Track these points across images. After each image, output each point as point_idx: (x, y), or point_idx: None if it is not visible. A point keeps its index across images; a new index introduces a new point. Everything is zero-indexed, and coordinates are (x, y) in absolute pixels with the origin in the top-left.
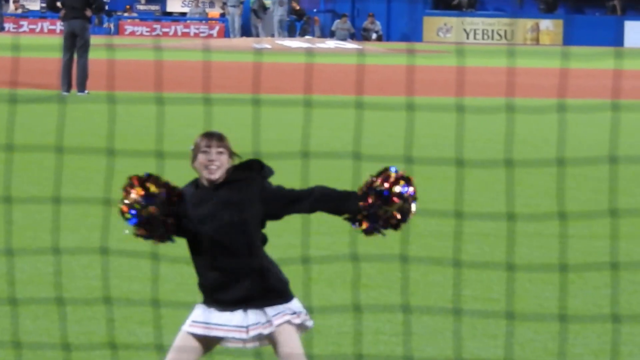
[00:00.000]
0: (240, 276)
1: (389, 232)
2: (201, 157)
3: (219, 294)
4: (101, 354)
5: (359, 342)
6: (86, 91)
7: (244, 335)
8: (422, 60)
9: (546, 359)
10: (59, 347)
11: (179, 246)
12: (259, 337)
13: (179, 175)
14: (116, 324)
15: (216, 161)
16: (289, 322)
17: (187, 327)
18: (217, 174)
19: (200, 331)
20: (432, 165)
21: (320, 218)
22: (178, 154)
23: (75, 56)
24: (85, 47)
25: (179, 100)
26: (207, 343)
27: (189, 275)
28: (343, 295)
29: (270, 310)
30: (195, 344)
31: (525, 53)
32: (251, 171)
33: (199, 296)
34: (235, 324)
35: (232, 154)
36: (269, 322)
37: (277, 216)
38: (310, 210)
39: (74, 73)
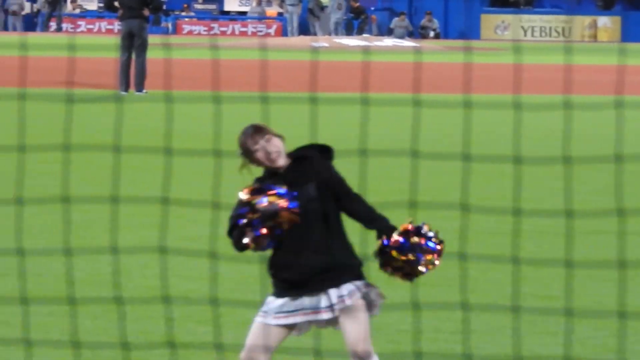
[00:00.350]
0: (321, 252)
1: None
2: (258, 155)
3: (299, 274)
4: (160, 353)
5: (418, 340)
6: (144, 90)
7: (330, 315)
8: (479, 58)
9: (605, 356)
10: (118, 347)
11: None
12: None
13: (237, 174)
14: (175, 323)
15: (271, 148)
16: (360, 301)
17: (270, 319)
18: (281, 160)
19: (288, 320)
20: (490, 163)
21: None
22: (235, 153)
23: (133, 56)
24: (143, 47)
25: (236, 99)
26: (285, 333)
27: (248, 273)
28: (402, 293)
29: (346, 288)
30: (274, 336)
31: (582, 50)
32: (315, 150)
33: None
34: (322, 305)
35: (280, 135)
36: (348, 295)
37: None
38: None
39: (132, 72)
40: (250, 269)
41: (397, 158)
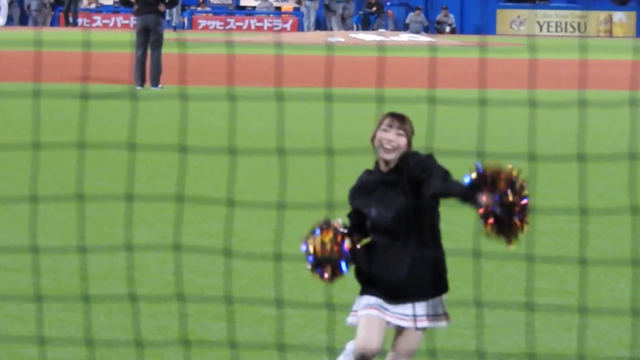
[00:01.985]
0: (412, 265)
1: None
2: (380, 135)
3: (386, 282)
4: (174, 349)
5: (432, 336)
6: (160, 85)
7: (411, 324)
8: (494, 54)
9: (619, 352)
10: (132, 343)
11: (252, 241)
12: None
13: (252, 171)
14: (190, 319)
15: (393, 142)
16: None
17: (363, 311)
18: (392, 155)
19: (376, 313)
20: (505, 159)
21: None
22: (251, 149)
23: (148, 51)
24: (158, 42)
25: (251, 96)
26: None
27: (263, 269)
28: None
29: (430, 306)
30: (378, 325)
31: (597, 46)
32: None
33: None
34: (403, 312)
35: (411, 140)
36: (435, 315)
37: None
38: (440, 191)
39: (147, 68)
40: (265, 265)
41: None
